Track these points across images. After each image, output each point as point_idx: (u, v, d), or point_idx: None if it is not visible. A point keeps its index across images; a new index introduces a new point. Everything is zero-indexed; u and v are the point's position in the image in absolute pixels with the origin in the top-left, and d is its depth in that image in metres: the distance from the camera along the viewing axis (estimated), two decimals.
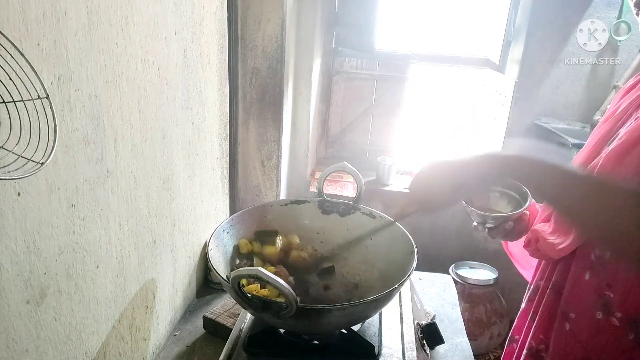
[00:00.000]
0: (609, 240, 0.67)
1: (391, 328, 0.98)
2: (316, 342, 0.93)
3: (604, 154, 0.79)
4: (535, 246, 0.90)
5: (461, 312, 1.39)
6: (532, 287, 0.97)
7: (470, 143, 2.55)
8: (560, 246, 0.83)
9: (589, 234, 0.73)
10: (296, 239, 1.11)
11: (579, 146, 1.97)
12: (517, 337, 1.01)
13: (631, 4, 0.84)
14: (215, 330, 1.17)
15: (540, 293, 0.92)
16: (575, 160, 0.92)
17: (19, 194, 0.62)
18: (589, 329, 0.80)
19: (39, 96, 0.59)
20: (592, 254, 0.80)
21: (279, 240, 1.08)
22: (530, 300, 0.96)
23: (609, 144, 0.82)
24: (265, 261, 1.05)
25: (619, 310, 0.76)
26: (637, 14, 0.83)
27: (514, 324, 1.03)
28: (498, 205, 1.04)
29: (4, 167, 0.55)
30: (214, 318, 1.17)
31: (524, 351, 0.92)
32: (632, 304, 0.75)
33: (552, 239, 0.85)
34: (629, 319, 0.75)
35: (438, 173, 0.76)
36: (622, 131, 0.81)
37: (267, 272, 0.71)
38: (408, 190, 0.82)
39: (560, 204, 0.70)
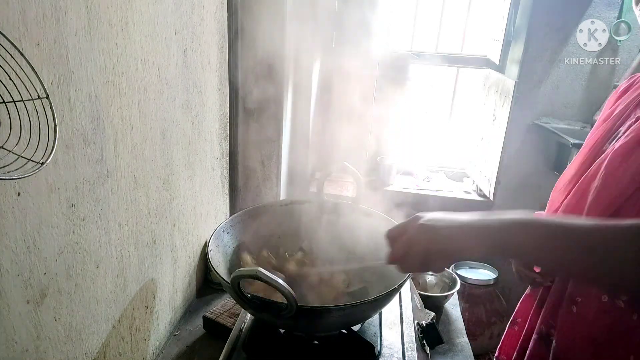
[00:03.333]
0: (611, 284, 0.65)
1: (391, 328, 0.98)
2: (316, 342, 0.93)
3: (609, 151, 0.83)
4: None
5: (461, 312, 1.39)
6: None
7: (469, 142, 2.55)
8: None
9: (591, 282, 0.73)
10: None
11: (579, 146, 1.96)
12: (519, 319, 1.06)
13: (635, 8, 0.86)
14: (215, 330, 1.17)
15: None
16: (575, 160, 0.96)
17: (19, 194, 0.62)
18: (595, 311, 0.84)
19: (39, 96, 0.59)
20: None
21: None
22: (538, 285, 1.00)
23: (611, 142, 0.86)
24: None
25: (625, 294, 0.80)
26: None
27: (516, 307, 1.08)
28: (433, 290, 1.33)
29: (4, 167, 0.55)
30: (214, 318, 1.17)
31: (534, 335, 0.96)
32: None
33: None
34: (634, 301, 0.79)
35: (421, 236, 0.68)
36: (623, 129, 0.84)
37: (266, 272, 0.71)
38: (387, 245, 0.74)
39: (559, 268, 0.67)
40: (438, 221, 0.67)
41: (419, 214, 0.70)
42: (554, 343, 0.91)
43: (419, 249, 0.67)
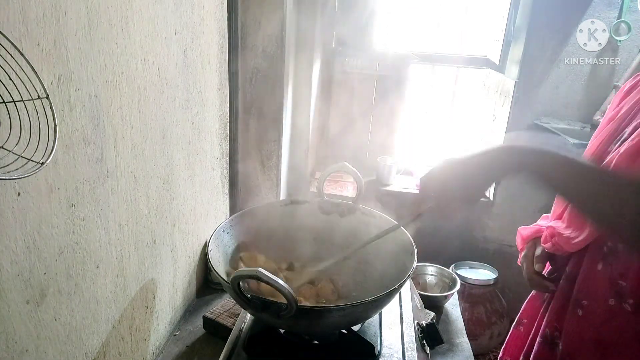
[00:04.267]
0: (622, 233, 0.66)
1: (391, 328, 0.98)
2: (316, 342, 0.93)
3: (613, 153, 0.82)
4: (551, 241, 0.93)
5: (461, 312, 1.38)
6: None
7: (469, 143, 2.55)
8: (576, 240, 0.87)
9: (601, 225, 0.71)
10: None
11: (578, 146, 1.97)
12: (524, 320, 1.06)
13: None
14: (215, 330, 1.17)
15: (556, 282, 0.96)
16: None
17: (19, 194, 0.62)
18: (602, 314, 0.84)
19: (39, 96, 0.59)
20: (605, 246, 0.84)
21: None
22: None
23: (616, 144, 0.85)
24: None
25: (632, 297, 0.80)
26: None
27: (522, 308, 1.07)
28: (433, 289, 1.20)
29: (4, 167, 0.55)
30: (214, 318, 1.17)
31: (538, 338, 0.96)
32: None
33: (568, 233, 0.89)
34: None
35: (449, 172, 0.73)
36: (628, 130, 0.84)
37: (266, 273, 0.71)
38: (418, 191, 0.79)
39: (573, 196, 0.69)
40: (461, 156, 0.72)
41: (443, 160, 0.75)
42: (560, 346, 0.90)
43: (455, 181, 0.72)
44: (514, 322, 1.09)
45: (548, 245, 0.95)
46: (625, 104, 0.90)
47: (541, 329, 0.95)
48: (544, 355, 0.94)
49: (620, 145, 0.83)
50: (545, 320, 0.95)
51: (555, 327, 0.93)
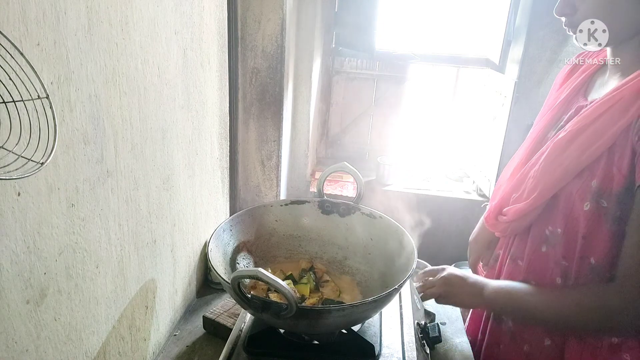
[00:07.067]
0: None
1: (391, 328, 0.98)
2: (316, 342, 0.93)
3: (550, 143, 0.87)
4: (493, 221, 1.01)
5: (461, 312, 1.38)
6: (492, 255, 1.08)
7: (469, 142, 2.55)
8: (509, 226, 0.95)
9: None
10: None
11: None
12: None
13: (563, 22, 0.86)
14: (215, 330, 1.17)
15: (500, 261, 1.02)
16: (522, 147, 1.01)
17: (19, 194, 0.62)
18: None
19: (39, 96, 0.59)
20: (547, 230, 0.88)
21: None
22: (491, 267, 1.07)
23: (554, 130, 0.91)
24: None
25: (575, 277, 0.85)
26: (568, 31, 0.88)
27: None
28: None
29: (4, 167, 0.55)
30: (214, 318, 1.17)
31: (491, 317, 1.02)
32: None
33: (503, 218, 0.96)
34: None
35: (457, 282, 0.97)
36: (565, 118, 0.89)
37: (266, 273, 0.71)
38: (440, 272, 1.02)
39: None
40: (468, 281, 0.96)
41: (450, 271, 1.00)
42: (509, 323, 0.97)
43: (451, 295, 0.98)
44: None
45: (489, 223, 1.01)
46: (566, 88, 0.94)
47: None
48: (493, 331, 1.01)
49: (557, 132, 0.88)
50: None
51: None
